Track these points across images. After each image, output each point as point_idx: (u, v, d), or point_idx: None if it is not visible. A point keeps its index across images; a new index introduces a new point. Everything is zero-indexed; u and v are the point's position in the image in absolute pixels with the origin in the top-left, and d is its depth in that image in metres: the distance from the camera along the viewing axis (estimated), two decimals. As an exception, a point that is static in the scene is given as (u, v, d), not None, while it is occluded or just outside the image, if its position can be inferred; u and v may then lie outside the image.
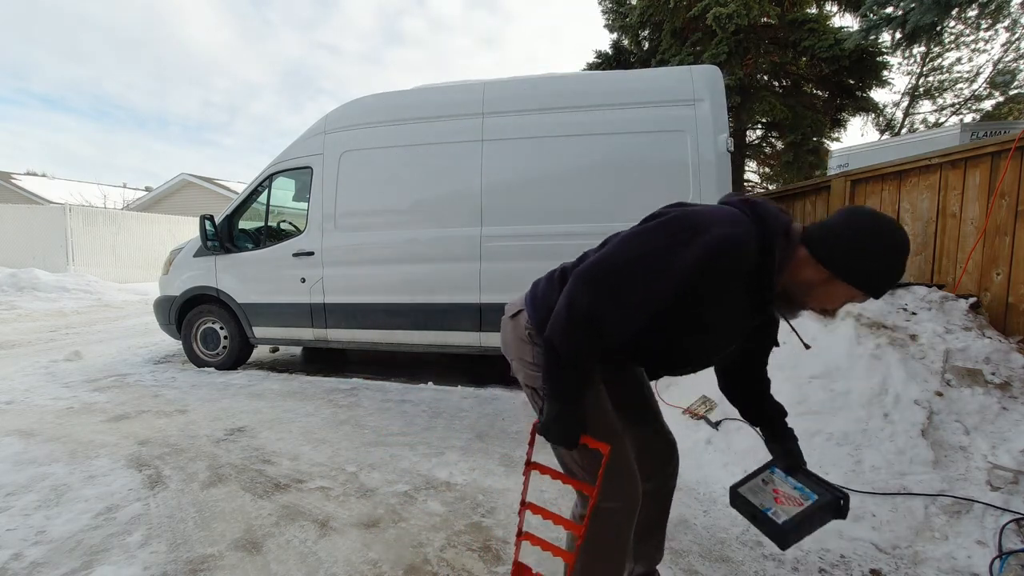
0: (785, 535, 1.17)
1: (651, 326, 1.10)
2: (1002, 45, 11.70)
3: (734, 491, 1.33)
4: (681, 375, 1.31)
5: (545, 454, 1.32)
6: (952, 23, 9.49)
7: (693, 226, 1.01)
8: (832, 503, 1.18)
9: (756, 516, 1.25)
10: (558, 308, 1.06)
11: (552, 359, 1.08)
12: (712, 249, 0.98)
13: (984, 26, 10.29)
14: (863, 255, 0.97)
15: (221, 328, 4.66)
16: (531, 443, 1.26)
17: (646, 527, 1.43)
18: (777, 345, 1.35)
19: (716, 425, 2.55)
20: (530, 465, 1.28)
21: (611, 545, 1.19)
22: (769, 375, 1.41)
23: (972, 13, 5.75)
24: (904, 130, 13.05)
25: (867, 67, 7.24)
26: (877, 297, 1.03)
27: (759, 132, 9.71)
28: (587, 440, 1.14)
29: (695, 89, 3.64)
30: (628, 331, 1.08)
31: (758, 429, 1.41)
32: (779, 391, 2.45)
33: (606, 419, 1.20)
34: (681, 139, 3.64)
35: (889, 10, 5.58)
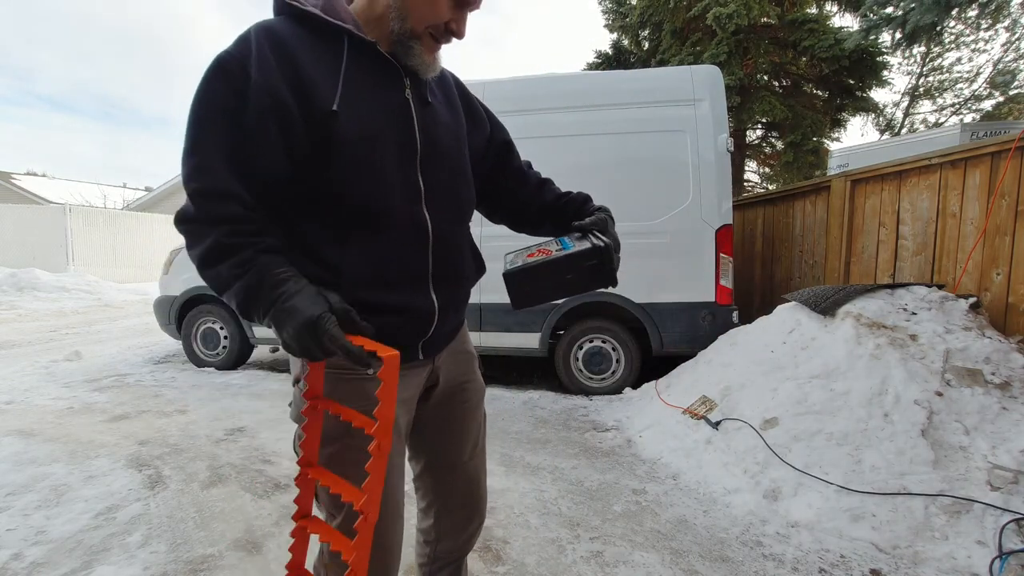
0: (510, 279, 0.90)
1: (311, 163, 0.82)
2: (1002, 45, 11.74)
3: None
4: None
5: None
6: (952, 23, 9.49)
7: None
8: (586, 253, 0.91)
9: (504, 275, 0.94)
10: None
11: (206, 280, 0.79)
12: (215, 64, 0.79)
13: (984, 26, 10.30)
14: None
15: (221, 328, 4.66)
16: (305, 486, 0.86)
17: None
18: (511, 150, 1.13)
19: (716, 425, 2.55)
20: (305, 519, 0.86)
21: None
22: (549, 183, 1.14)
23: (972, 13, 5.75)
24: (904, 130, 13.07)
25: (867, 67, 7.25)
26: None
27: (759, 132, 9.72)
28: (362, 341, 0.74)
29: (695, 89, 3.64)
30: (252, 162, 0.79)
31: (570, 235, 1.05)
32: (779, 391, 2.47)
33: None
34: (681, 139, 3.64)
35: (889, 10, 5.58)
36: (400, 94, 0.89)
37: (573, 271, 0.92)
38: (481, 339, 3.93)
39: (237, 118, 0.77)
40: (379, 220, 0.85)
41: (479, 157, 1.09)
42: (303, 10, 0.84)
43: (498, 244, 3.84)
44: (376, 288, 0.86)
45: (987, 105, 12.34)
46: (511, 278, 0.92)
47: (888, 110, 13.16)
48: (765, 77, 8.07)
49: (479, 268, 1.07)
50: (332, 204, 0.84)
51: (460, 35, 0.89)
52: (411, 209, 0.88)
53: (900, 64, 12.66)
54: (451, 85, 1.05)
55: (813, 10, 8.04)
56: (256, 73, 0.77)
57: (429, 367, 1.00)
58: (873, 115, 10.14)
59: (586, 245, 0.94)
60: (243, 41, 0.79)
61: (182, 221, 0.81)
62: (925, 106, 13.59)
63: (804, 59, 7.70)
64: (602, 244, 0.93)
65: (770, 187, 11.09)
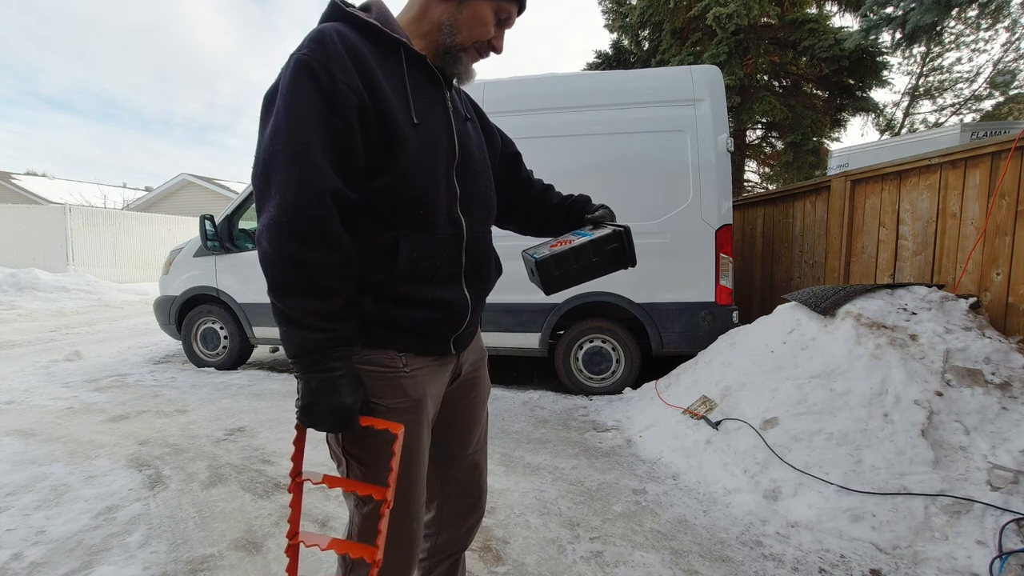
0: (543, 265, 1.00)
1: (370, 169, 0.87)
2: (1002, 45, 11.71)
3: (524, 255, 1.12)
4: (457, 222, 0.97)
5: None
6: (952, 23, 9.49)
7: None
8: (608, 237, 1.02)
9: (526, 261, 1.07)
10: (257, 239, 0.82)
11: (276, 301, 0.80)
12: (299, 64, 0.81)
13: (984, 26, 10.30)
14: None
15: (221, 328, 4.66)
16: (298, 447, 0.87)
17: None
18: (519, 159, 1.23)
19: (716, 425, 2.55)
20: (299, 478, 0.87)
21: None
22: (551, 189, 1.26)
23: (972, 13, 5.75)
24: (904, 130, 13.05)
25: (867, 67, 7.25)
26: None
27: (759, 132, 9.71)
28: (371, 421, 0.85)
29: (695, 89, 3.64)
30: (321, 186, 0.79)
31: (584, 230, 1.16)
32: (779, 391, 2.47)
33: (417, 450, 0.94)
34: (681, 139, 3.64)
35: (889, 10, 5.58)
36: (445, 105, 0.97)
37: (598, 254, 1.02)
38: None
39: (326, 116, 0.80)
40: (427, 219, 0.91)
41: (494, 169, 1.17)
42: (365, 21, 0.89)
43: (497, 244, 3.85)
44: (421, 283, 0.92)
45: (987, 105, 12.33)
46: (544, 265, 1.00)
47: (888, 110, 13.14)
48: (765, 77, 8.07)
49: (498, 268, 1.13)
50: (388, 202, 0.89)
51: (499, 51, 0.99)
52: (450, 210, 0.95)
53: (900, 64, 12.66)
54: (470, 104, 1.14)
55: (813, 10, 8.03)
56: (339, 73, 0.81)
57: (455, 361, 1.05)
58: (873, 115, 10.11)
59: (607, 230, 1.03)
60: (320, 43, 0.82)
61: (289, 217, 0.78)
62: (925, 106, 13.58)
63: (804, 59, 7.69)
64: (622, 228, 1.03)
65: (770, 187, 11.08)
